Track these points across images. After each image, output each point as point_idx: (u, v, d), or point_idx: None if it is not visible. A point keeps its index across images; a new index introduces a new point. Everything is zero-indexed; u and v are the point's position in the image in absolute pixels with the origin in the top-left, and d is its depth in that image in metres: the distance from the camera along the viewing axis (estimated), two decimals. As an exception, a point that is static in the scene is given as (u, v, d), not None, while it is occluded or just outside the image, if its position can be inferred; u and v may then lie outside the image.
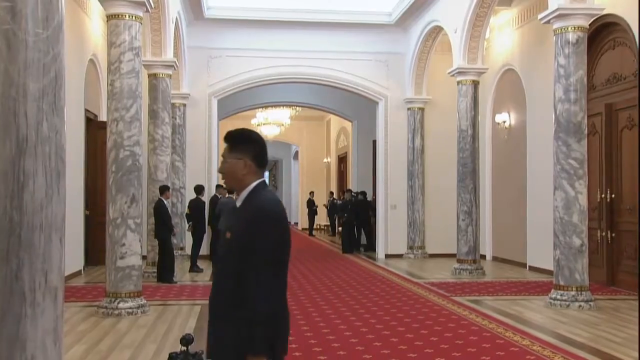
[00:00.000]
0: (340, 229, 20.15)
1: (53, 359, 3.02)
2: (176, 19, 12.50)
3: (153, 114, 11.74)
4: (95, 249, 12.12)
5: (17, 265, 2.90)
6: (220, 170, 3.08)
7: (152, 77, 11.80)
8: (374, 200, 17.00)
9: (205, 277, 12.13)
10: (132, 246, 8.22)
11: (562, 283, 8.73)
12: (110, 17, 8.48)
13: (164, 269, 11.07)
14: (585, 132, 8.87)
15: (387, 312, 8.48)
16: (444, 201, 15.22)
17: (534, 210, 12.66)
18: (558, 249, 8.80)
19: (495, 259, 14.66)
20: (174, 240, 12.01)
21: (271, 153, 25.15)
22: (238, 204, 2.99)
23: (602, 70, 10.63)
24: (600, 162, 10.56)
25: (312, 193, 25.64)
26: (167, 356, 3.29)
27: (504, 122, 14.14)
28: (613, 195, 10.34)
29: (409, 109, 15.66)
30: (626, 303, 8.97)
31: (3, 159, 3.00)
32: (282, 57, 15.30)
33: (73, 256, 11.04)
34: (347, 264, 14.63)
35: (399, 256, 15.49)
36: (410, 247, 15.56)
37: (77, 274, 11.60)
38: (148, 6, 8.62)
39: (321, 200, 26.11)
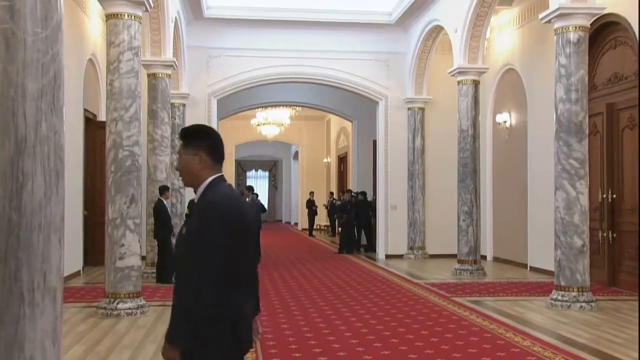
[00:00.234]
0: (340, 229, 20.11)
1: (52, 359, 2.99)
2: (175, 18, 12.47)
3: (152, 114, 11.71)
4: (95, 249, 12.09)
5: (16, 265, 2.88)
6: (176, 168, 3.08)
7: (152, 76, 11.77)
8: (374, 200, 16.96)
9: (204, 277, 12.08)
10: (132, 247, 8.19)
11: (563, 284, 8.70)
12: (109, 17, 8.45)
13: (164, 269, 11.04)
14: (587, 132, 8.84)
15: (387, 312, 8.46)
16: (444, 201, 15.20)
17: (534, 211, 12.62)
18: (559, 250, 8.77)
19: (496, 259, 14.62)
20: (174, 241, 11.96)
21: (271, 153, 25.33)
22: (195, 199, 3.01)
23: (603, 70, 10.60)
24: (602, 162, 10.52)
25: (312, 193, 25.61)
26: None
27: (505, 122, 14.10)
28: (614, 196, 10.31)
29: (409, 108, 15.63)
30: (627, 304, 8.93)
31: (2, 159, 2.98)
32: (282, 56, 15.27)
33: (72, 257, 11.02)
34: (347, 264, 14.60)
35: (399, 257, 15.46)
36: (411, 248, 15.53)
37: (76, 274, 11.57)
38: (147, 5, 8.59)
39: (321, 201, 26.09)
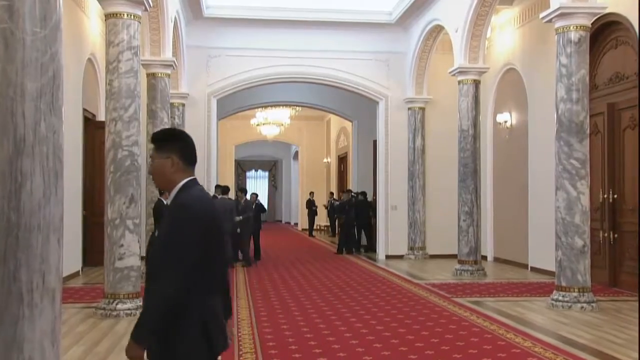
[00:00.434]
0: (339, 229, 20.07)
1: (51, 360, 2.98)
2: (175, 18, 12.44)
3: (152, 114, 11.68)
4: (94, 249, 12.05)
5: (15, 266, 2.87)
6: (149, 171, 3.10)
7: (151, 76, 11.74)
8: (374, 200, 16.93)
9: (204, 277, 12.06)
10: (131, 247, 8.16)
11: (564, 284, 8.68)
12: (108, 16, 8.43)
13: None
14: (588, 132, 8.81)
15: (387, 313, 8.43)
16: (444, 201, 15.17)
17: (535, 211, 12.59)
18: (560, 250, 8.75)
19: (496, 259, 14.59)
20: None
21: (271, 153, 25.23)
22: (168, 202, 3.04)
23: (605, 70, 10.57)
24: (603, 162, 10.50)
25: (312, 193, 25.58)
26: None
27: (505, 122, 14.07)
28: (615, 196, 10.28)
29: (409, 108, 15.60)
30: (628, 304, 8.91)
31: (0, 159, 2.96)
32: (282, 56, 15.24)
33: (71, 257, 10.98)
34: (347, 264, 14.57)
35: (400, 257, 15.43)
36: (411, 248, 15.50)
37: (75, 275, 11.54)
38: (147, 5, 8.57)
39: (321, 201, 26.06)
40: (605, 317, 8.08)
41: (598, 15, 9.20)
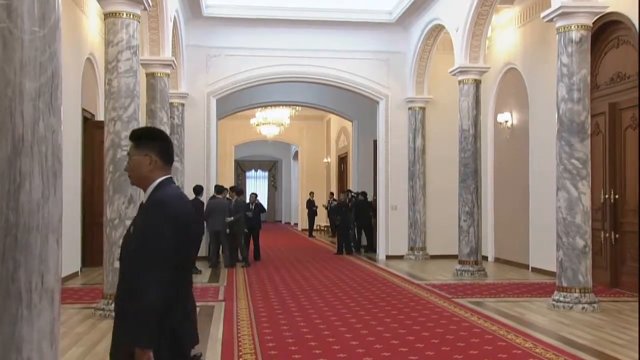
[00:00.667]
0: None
1: (49, 361, 2.96)
2: (174, 17, 12.42)
3: (151, 114, 11.65)
4: (93, 250, 12.02)
5: (13, 266, 2.86)
6: (125, 168, 3.09)
7: (150, 76, 11.71)
8: (375, 200, 16.89)
9: (203, 278, 12.06)
10: (130, 247, 8.11)
11: (565, 285, 8.66)
12: (107, 15, 8.40)
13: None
14: (589, 131, 8.78)
15: (387, 314, 8.41)
16: (445, 202, 15.14)
17: (536, 211, 12.56)
18: (561, 250, 8.72)
19: (497, 260, 14.56)
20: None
21: (271, 153, 25.17)
22: (144, 200, 3.03)
23: (606, 69, 10.53)
24: (604, 162, 10.46)
25: (312, 193, 25.55)
26: None
27: (506, 121, 14.04)
28: (617, 196, 10.25)
29: (410, 108, 15.57)
30: (630, 305, 8.88)
31: (-1, 159, 2.92)
32: (282, 56, 15.21)
33: (70, 257, 10.94)
34: (347, 265, 14.54)
35: (400, 257, 15.40)
36: (411, 248, 15.47)
37: (74, 275, 11.51)
38: (146, 4, 8.55)
39: (321, 201, 26.03)
40: (607, 318, 8.06)
41: (599, 15, 9.16)
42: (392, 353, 6.33)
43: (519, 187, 13.34)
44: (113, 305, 3.06)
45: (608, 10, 9.06)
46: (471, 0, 11.71)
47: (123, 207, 8.10)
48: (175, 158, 14.05)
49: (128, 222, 8.10)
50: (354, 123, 20.01)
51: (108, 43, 8.37)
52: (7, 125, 3.31)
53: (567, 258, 8.64)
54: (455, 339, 6.93)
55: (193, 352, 3.63)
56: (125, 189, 8.14)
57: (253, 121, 24.71)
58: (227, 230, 13.80)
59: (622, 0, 9.48)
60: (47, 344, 3.12)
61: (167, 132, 11.95)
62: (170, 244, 2.83)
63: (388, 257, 15.47)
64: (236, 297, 9.83)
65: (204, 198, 13.76)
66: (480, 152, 12.42)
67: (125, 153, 8.13)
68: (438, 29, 14.13)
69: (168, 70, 11.87)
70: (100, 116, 12.71)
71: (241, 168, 35.83)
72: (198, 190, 13.24)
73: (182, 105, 14.64)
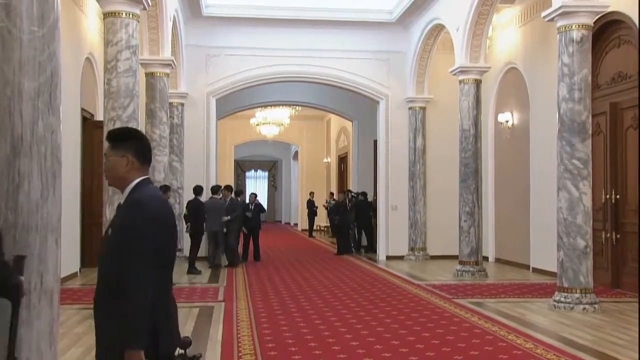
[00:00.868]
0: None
1: (48, 362, 2.95)
2: (174, 16, 12.39)
3: (150, 114, 11.63)
4: (92, 250, 11.98)
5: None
6: (104, 169, 3.08)
7: (150, 76, 11.70)
8: (375, 200, 16.86)
9: (203, 279, 12.02)
10: (129, 248, 8.07)
11: (566, 285, 8.63)
12: (106, 15, 8.38)
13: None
14: (590, 131, 8.75)
15: (388, 314, 8.38)
16: (445, 202, 15.11)
17: (537, 211, 12.53)
18: (562, 251, 8.69)
19: (497, 260, 14.52)
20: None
21: (270, 153, 25.13)
22: (121, 201, 3.01)
23: (607, 69, 10.50)
24: (605, 162, 10.43)
25: (312, 194, 25.51)
26: None
27: (507, 121, 14.01)
28: (618, 196, 10.21)
29: (410, 108, 15.54)
30: (631, 305, 8.85)
31: (-2, 159, 2.91)
32: (282, 55, 15.18)
33: (69, 258, 10.90)
34: (347, 265, 14.51)
35: (400, 258, 15.36)
36: (412, 249, 15.43)
37: (73, 275, 11.47)
38: (145, 4, 8.53)
39: (321, 201, 25.99)
40: (608, 319, 8.03)
41: (600, 14, 9.13)
42: (392, 354, 6.30)
43: (520, 187, 13.31)
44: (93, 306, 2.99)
45: (609, 9, 9.03)
46: (472, 0, 11.68)
47: (122, 207, 8.06)
48: (175, 158, 14.09)
49: (127, 223, 8.07)
50: (354, 123, 19.98)
51: (107, 43, 8.35)
52: (6, 125, 3.28)
53: (568, 258, 8.61)
54: (455, 339, 6.90)
55: (192, 352, 3.60)
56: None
57: (253, 121, 24.68)
58: (225, 230, 13.75)
59: (623, -1, 9.46)
60: (46, 344, 3.10)
61: (167, 132, 11.92)
62: (152, 244, 2.81)
63: (388, 258, 15.44)
64: (236, 298, 9.80)
65: (203, 198, 13.69)
66: (480, 152, 12.39)
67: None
68: (438, 28, 14.10)
69: (167, 70, 11.85)
70: (99, 116, 12.68)
71: (241, 168, 35.79)
72: (198, 190, 13.20)
73: (182, 105, 14.62)
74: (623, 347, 6.57)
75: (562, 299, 8.60)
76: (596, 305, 8.47)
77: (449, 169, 14.48)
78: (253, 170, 37.04)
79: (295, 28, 15.19)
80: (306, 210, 25.53)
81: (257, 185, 35.66)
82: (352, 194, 18.04)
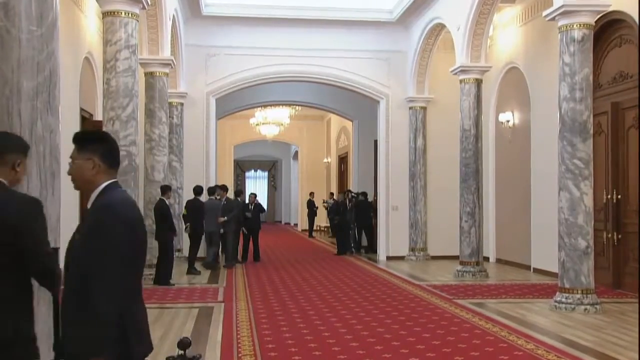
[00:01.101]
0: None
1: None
2: (173, 16, 12.37)
3: (150, 113, 11.61)
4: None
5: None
6: (68, 172, 2.96)
7: (149, 75, 11.67)
8: (375, 201, 16.82)
9: (203, 279, 11.98)
10: (128, 248, 8.04)
11: (567, 286, 8.60)
12: (106, 14, 8.37)
13: (164, 271, 10.89)
14: (591, 131, 8.72)
15: (388, 315, 8.35)
16: (446, 202, 15.07)
17: (538, 212, 12.49)
18: (563, 251, 8.66)
19: (498, 261, 14.49)
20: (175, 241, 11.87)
21: (270, 153, 25.06)
22: (88, 205, 2.91)
23: (609, 68, 10.46)
24: (606, 162, 10.39)
25: (312, 194, 25.46)
26: None
27: (508, 121, 13.97)
28: (619, 196, 10.17)
29: (410, 108, 15.50)
30: (632, 306, 8.81)
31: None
32: (281, 55, 15.15)
33: (69, 258, 10.85)
34: (347, 266, 14.47)
35: (401, 258, 15.32)
36: (412, 249, 15.39)
37: (73, 275, 11.42)
38: (144, 3, 8.52)
39: (321, 202, 25.94)
40: (609, 319, 8.01)
41: (602, 13, 9.11)
42: (392, 354, 6.28)
43: (521, 187, 13.27)
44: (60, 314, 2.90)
45: (610, 8, 9.00)
46: (472, -1, 11.66)
47: (121, 207, 8.02)
48: (174, 158, 14.05)
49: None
50: (354, 123, 19.94)
51: (106, 42, 8.33)
52: (5, 124, 3.25)
53: (569, 259, 8.58)
54: (456, 340, 6.88)
55: (192, 353, 3.56)
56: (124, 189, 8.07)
57: (253, 121, 24.63)
58: (221, 230, 13.67)
59: (625, -2, 9.42)
60: (45, 346, 3.07)
61: (166, 131, 11.88)
62: (121, 250, 2.72)
63: (389, 258, 15.40)
64: (235, 298, 9.76)
65: (203, 198, 13.64)
66: (481, 152, 12.35)
67: (124, 153, 8.08)
68: (439, 28, 14.07)
69: (167, 70, 11.83)
70: (98, 116, 12.63)
71: (241, 168, 35.75)
72: (198, 190, 13.16)
73: (181, 104, 14.58)
74: (625, 348, 6.54)
75: (563, 300, 8.57)
76: (597, 306, 8.44)
77: (450, 169, 14.44)
78: (253, 170, 36.99)
79: (295, 27, 15.16)
80: (306, 211, 25.49)
81: (256, 185, 35.60)
82: (353, 194, 17.99)
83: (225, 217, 13.63)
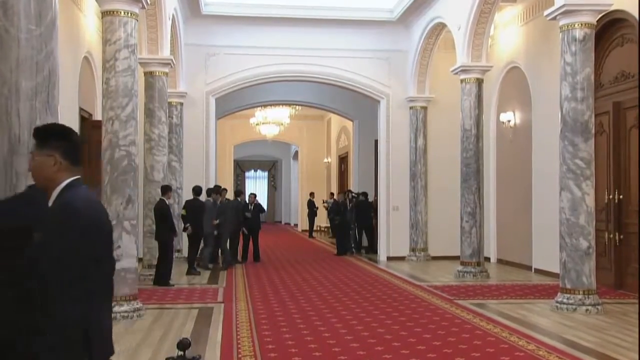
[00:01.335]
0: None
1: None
2: (173, 15, 12.33)
3: (149, 113, 11.58)
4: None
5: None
6: (29, 169, 2.88)
7: (149, 75, 11.64)
8: (375, 201, 16.79)
9: (202, 280, 11.95)
10: (128, 248, 8.01)
11: (568, 286, 8.58)
12: (105, 14, 8.33)
13: (162, 271, 10.86)
14: (593, 131, 8.70)
15: (389, 315, 8.32)
16: (447, 202, 15.03)
17: (539, 212, 12.45)
18: (564, 252, 8.64)
19: (499, 261, 14.45)
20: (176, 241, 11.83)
21: (270, 153, 25.07)
22: (50, 203, 2.78)
23: (610, 68, 10.43)
24: (608, 162, 10.36)
25: (312, 194, 25.41)
26: None
27: (509, 121, 13.94)
28: (621, 196, 10.14)
29: (411, 107, 15.47)
30: (634, 307, 8.78)
31: (-5, 159, 2.84)
32: (282, 54, 15.12)
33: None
34: (348, 266, 14.44)
35: (401, 258, 15.29)
36: (413, 249, 15.36)
37: (72, 276, 11.39)
38: (144, 2, 8.48)
39: (321, 202, 25.92)
40: (611, 320, 7.99)
41: (603, 13, 9.07)
42: (393, 355, 6.26)
43: (522, 187, 13.23)
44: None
45: (612, 8, 8.97)
46: (473, -2, 11.63)
47: (121, 207, 8.01)
48: (174, 158, 14.01)
49: (126, 223, 8.00)
50: (354, 122, 19.91)
51: (106, 41, 8.30)
52: (3, 124, 3.22)
53: (571, 259, 8.55)
54: (457, 341, 6.86)
55: (191, 354, 3.52)
56: (123, 189, 8.06)
57: (252, 121, 24.61)
58: (215, 232, 13.59)
59: (627, -3, 9.38)
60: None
61: (166, 131, 11.85)
62: (82, 252, 2.62)
63: (389, 259, 15.37)
64: (235, 299, 9.73)
65: (202, 199, 13.60)
66: (482, 152, 12.32)
67: (123, 153, 8.06)
68: (440, 27, 14.03)
69: (166, 69, 11.80)
70: (97, 115, 12.60)
71: (240, 168, 35.72)
72: (197, 191, 13.12)
73: (181, 104, 14.54)
74: (626, 348, 6.52)
75: (565, 300, 8.54)
76: (599, 307, 8.41)
77: (451, 169, 14.41)
78: (253, 170, 36.97)
79: (295, 27, 15.13)
80: (306, 211, 25.46)
81: (256, 186, 35.58)
82: (353, 194, 17.96)
83: (217, 220, 13.49)
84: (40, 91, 3.39)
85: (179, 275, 12.02)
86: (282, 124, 24.60)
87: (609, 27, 10.21)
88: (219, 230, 13.64)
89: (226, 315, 8.38)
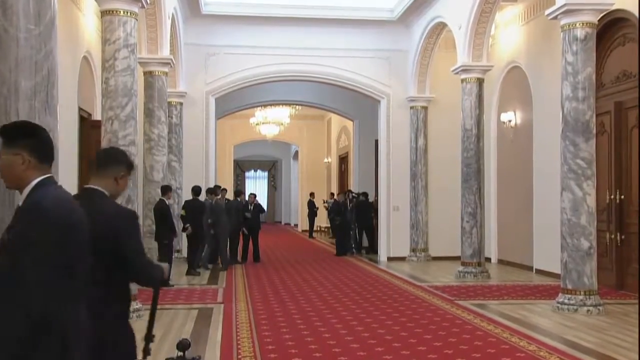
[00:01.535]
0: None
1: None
2: (172, 15, 12.31)
3: (149, 113, 11.55)
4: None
5: (10, 268, 2.72)
6: None
7: (148, 74, 11.62)
8: (376, 201, 16.76)
9: (202, 280, 11.93)
10: (127, 248, 7.97)
11: (569, 287, 8.56)
12: (104, 13, 8.30)
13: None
14: (594, 131, 8.68)
15: (389, 316, 8.30)
16: (447, 202, 15.00)
17: (540, 212, 12.43)
18: (565, 252, 8.62)
19: (500, 261, 14.43)
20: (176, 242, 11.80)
21: (270, 153, 25.05)
22: (20, 203, 2.72)
23: (612, 68, 10.40)
24: (609, 162, 10.33)
25: (312, 194, 25.38)
26: None
27: (510, 121, 13.91)
28: (622, 196, 10.12)
29: (411, 107, 15.44)
30: (635, 307, 8.72)
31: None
32: (281, 54, 15.10)
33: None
34: (348, 266, 14.41)
35: (402, 259, 15.26)
36: (413, 250, 15.33)
37: (71, 276, 11.36)
38: (143, 2, 8.44)
39: (322, 202, 25.88)
40: (612, 321, 7.97)
41: (605, 12, 9.03)
42: (394, 356, 6.24)
43: (523, 187, 13.21)
44: None
45: (614, 7, 8.93)
46: (474, -2, 11.60)
47: (120, 207, 7.96)
48: (174, 158, 13.98)
49: (125, 223, 7.95)
50: (354, 122, 19.88)
51: (105, 41, 8.27)
52: (2, 123, 3.18)
53: (572, 260, 8.52)
54: (457, 341, 6.84)
55: (191, 354, 3.49)
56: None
57: (252, 120, 24.58)
58: (212, 232, 13.54)
59: (628, -3, 9.35)
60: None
61: (165, 131, 11.82)
62: (53, 255, 2.54)
63: (389, 259, 15.34)
64: (235, 299, 9.71)
65: (202, 199, 13.56)
66: (483, 152, 12.30)
67: (122, 153, 8.02)
68: (440, 27, 14.00)
69: (166, 69, 11.77)
70: (97, 115, 12.56)
71: (240, 168, 35.70)
72: (197, 191, 13.09)
73: (181, 104, 14.52)
74: (627, 349, 6.50)
75: (566, 301, 8.52)
76: (600, 307, 8.39)
77: (451, 169, 14.39)
78: (253, 170, 36.95)
79: (295, 26, 15.11)
80: (306, 211, 25.42)
81: (256, 186, 35.56)
82: (353, 194, 17.93)
83: (210, 220, 13.40)
84: (39, 91, 3.36)
85: (178, 275, 12.00)
86: (282, 124, 24.58)
87: (611, 27, 10.18)
88: (215, 231, 13.59)
89: (226, 315, 8.36)
